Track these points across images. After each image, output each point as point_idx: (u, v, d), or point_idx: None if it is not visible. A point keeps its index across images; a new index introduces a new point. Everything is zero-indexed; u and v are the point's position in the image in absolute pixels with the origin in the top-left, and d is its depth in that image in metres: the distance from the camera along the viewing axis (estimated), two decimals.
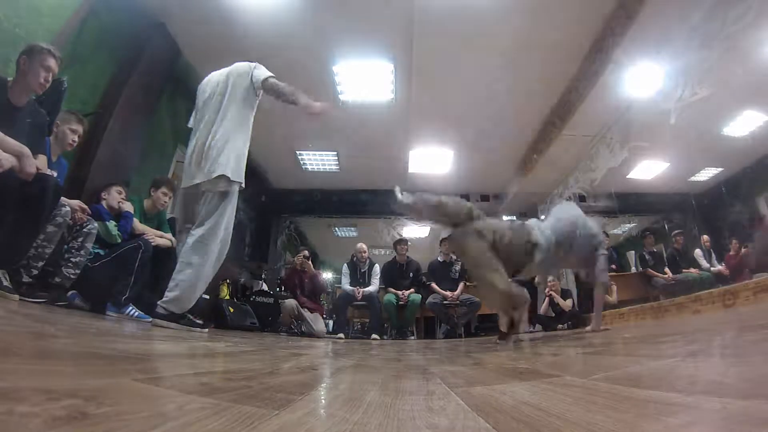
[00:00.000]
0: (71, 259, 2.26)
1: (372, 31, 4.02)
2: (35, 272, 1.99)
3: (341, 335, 4.60)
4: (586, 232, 2.68)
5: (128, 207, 2.85)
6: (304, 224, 8.74)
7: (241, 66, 2.49)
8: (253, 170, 4.63)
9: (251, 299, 4.58)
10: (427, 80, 4.65)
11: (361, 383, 0.82)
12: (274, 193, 7.36)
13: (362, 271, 5.08)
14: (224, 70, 2.53)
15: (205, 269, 2.20)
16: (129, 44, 3.54)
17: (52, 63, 2.03)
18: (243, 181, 2.35)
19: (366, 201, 7.60)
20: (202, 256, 2.19)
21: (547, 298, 5.17)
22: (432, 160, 6.43)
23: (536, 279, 5.82)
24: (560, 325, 4.95)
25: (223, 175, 2.23)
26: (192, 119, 2.53)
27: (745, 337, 1.27)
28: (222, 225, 2.24)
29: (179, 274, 2.18)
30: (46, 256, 2.01)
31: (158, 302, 2.16)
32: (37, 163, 1.88)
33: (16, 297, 1.77)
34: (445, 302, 4.84)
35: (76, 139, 2.48)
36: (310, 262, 4.96)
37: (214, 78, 2.54)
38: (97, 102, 3.29)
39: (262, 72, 2.41)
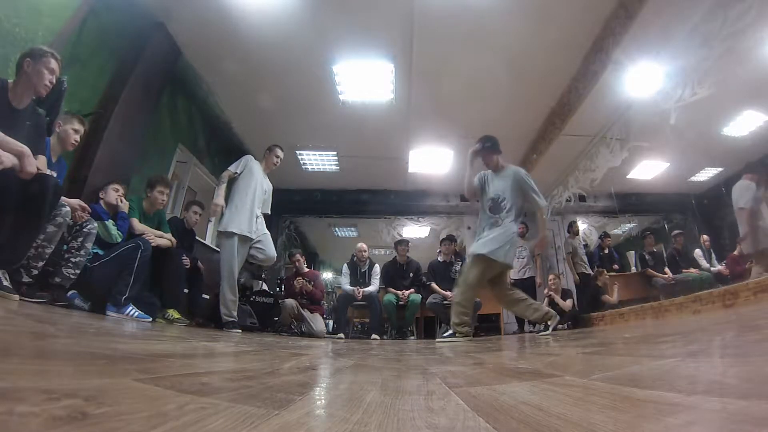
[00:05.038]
0: (71, 259, 2.26)
1: (372, 31, 4.01)
2: (35, 272, 1.99)
3: (341, 335, 4.59)
4: None
5: (124, 207, 2.84)
6: (304, 224, 8.73)
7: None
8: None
9: (251, 299, 4.56)
10: (427, 80, 4.65)
11: (361, 383, 0.82)
12: (273, 193, 7.34)
13: (362, 271, 5.08)
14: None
15: None
16: (129, 44, 3.53)
17: (55, 65, 2.04)
18: None
19: (366, 201, 7.59)
20: None
21: (546, 299, 5.17)
22: (432, 160, 6.43)
23: (537, 280, 5.85)
24: (560, 325, 4.95)
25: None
26: (236, 169, 3.64)
27: (745, 337, 1.27)
28: None
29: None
30: (46, 256, 2.01)
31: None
32: (37, 164, 1.88)
33: (16, 297, 1.77)
34: (445, 302, 4.84)
35: (78, 139, 2.49)
36: (309, 285, 4.76)
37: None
38: (97, 102, 3.28)
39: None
